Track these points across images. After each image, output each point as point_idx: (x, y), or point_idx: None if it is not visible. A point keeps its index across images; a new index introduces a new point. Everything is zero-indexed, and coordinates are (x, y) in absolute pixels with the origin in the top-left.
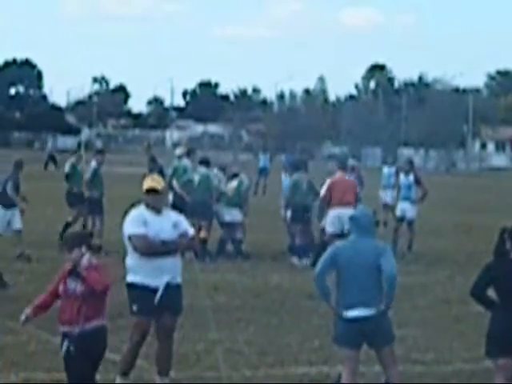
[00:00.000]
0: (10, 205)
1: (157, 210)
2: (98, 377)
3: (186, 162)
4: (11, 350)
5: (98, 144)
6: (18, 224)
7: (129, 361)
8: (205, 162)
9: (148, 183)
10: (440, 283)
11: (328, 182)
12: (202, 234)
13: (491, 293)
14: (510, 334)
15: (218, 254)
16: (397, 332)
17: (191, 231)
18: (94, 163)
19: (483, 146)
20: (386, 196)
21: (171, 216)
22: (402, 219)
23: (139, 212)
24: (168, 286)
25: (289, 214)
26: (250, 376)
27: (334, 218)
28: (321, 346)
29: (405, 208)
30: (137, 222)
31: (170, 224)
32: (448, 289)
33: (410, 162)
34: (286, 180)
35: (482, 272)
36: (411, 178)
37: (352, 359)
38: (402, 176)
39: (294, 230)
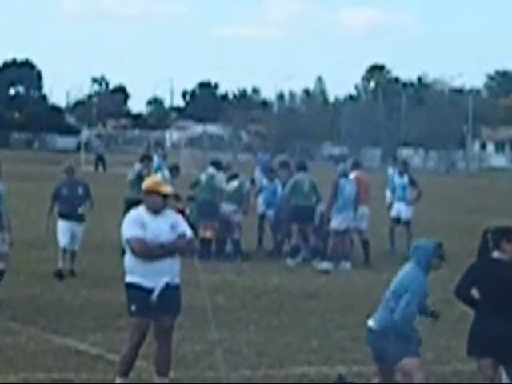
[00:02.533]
0: (69, 216)
1: (155, 212)
2: (97, 377)
3: (211, 170)
4: (11, 350)
5: (98, 143)
6: (76, 244)
7: (128, 361)
8: (215, 164)
9: (163, 187)
10: (439, 283)
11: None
12: (208, 234)
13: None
14: (491, 334)
15: (218, 254)
16: None
17: (189, 232)
18: (139, 166)
19: (483, 146)
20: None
21: (169, 216)
22: (397, 220)
23: (138, 214)
24: (167, 286)
25: (271, 213)
26: (250, 376)
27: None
28: (320, 347)
29: (400, 208)
30: (134, 224)
31: (167, 225)
32: (447, 289)
33: (405, 163)
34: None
35: (465, 272)
36: (406, 178)
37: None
38: (396, 177)
39: (280, 230)
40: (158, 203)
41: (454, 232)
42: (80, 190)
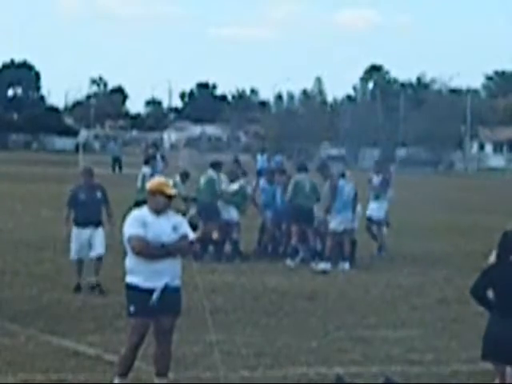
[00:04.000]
0: (86, 223)
1: (158, 212)
2: (95, 378)
3: (210, 173)
4: (10, 351)
5: (96, 145)
6: (99, 248)
7: (127, 362)
8: (215, 165)
9: (168, 188)
10: (437, 284)
11: None
12: (214, 236)
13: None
14: (504, 339)
15: (217, 254)
16: (395, 333)
17: (191, 234)
18: (147, 169)
19: (481, 146)
20: None
21: (171, 218)
22: (369, 219)
23: (140, 213)
24: (166, 287)
25: (269, 215)
26: (248, 377)
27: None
28: (318, 347)
29: (373, 208)
30: (136, 223)
31: (169, 226)
32: (445, 290)
33: (379, 163)
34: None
35: (482, 272)
36: (380, 178)
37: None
38: (373, 176)
39: (279, 231)
40: (162, 203)
41: (451, 232)
42: (98, 195)
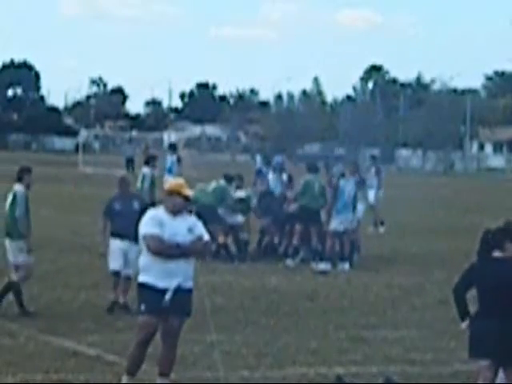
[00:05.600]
0: (123, 234)
1: (174, 213)
2: (94, 378)
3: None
4: (9, 351)
5: (96, 145)
6: (131, 268)
7: (133, 360)
8: (228, 178)
9: (185, 190)
10: (437, 284)
11: None
12: (220, 240)
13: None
14: (490, 335)
15: (217, 255)
16: (395, 333)
17: (206, 236)
18: (147, 170)
19: (481, 147)
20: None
21: (187, 220)
22: None
23: (156, 213)
24: (178, 288)
25: (265, 221)
26: (248, 377)
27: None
28: (318, 347)
29: None
30: (153, 222)
31: (185, 228)
32: (445, 290)
33: (354, 163)
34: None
35: (465, 271)
36: (357, 179)
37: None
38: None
39: (278, 231)
40: (178, 204)
41: (451, 232)
42: (135, 205)
